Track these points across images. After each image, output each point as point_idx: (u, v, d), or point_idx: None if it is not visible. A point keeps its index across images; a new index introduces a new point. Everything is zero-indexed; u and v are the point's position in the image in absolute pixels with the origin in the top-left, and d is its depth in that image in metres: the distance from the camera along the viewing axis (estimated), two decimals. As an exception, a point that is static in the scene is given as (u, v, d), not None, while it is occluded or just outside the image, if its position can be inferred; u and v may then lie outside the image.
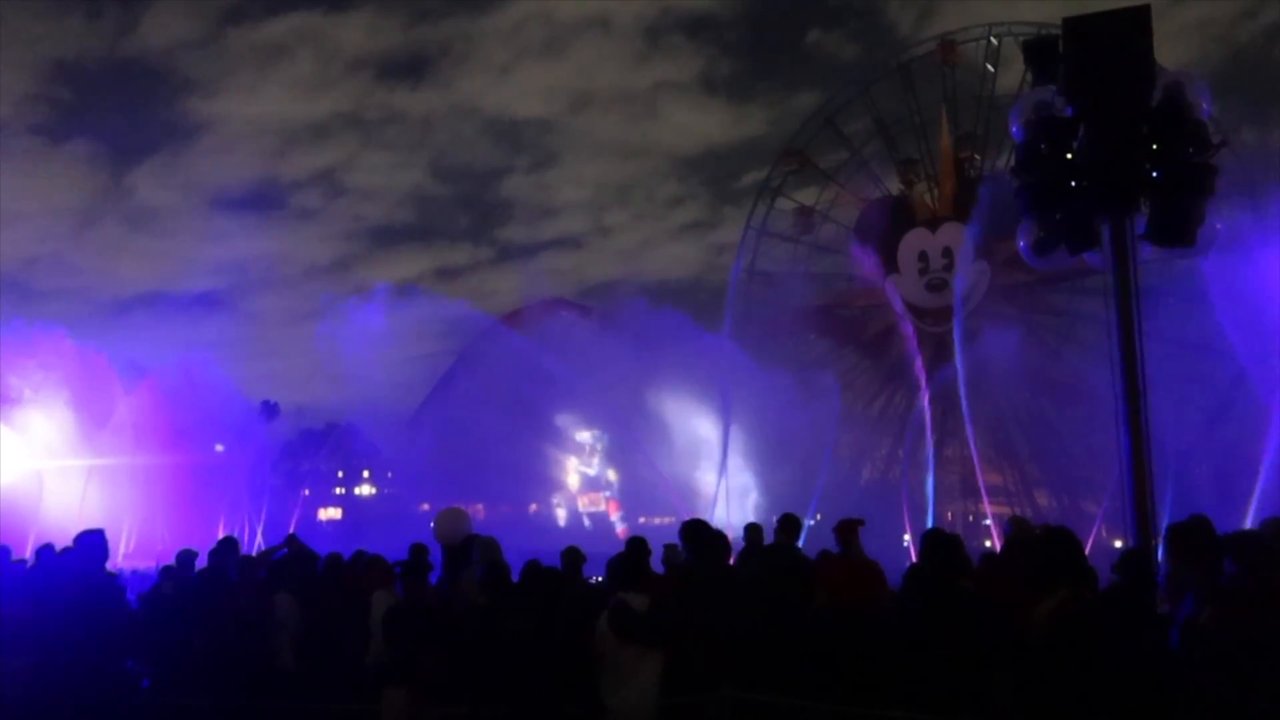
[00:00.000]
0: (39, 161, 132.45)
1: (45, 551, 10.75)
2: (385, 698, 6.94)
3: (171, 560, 11.80)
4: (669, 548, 12.11)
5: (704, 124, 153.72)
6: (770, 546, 10.50)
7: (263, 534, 35.21)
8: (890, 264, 39.50)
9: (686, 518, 10.91)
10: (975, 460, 33.58)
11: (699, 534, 8.21)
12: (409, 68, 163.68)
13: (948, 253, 38.41)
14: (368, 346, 35.36)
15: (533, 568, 8.12)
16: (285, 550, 10.90)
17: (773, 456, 34.66)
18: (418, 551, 9.71)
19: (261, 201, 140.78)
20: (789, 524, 10.37)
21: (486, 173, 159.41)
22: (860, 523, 9.73)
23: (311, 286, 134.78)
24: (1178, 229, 11.93)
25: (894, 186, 42.47)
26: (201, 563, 10.89)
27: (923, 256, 38.99)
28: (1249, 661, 5.27)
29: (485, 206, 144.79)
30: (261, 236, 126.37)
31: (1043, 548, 6.33)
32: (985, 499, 35.19)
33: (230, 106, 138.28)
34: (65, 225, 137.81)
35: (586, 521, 47.63)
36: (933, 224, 39.54)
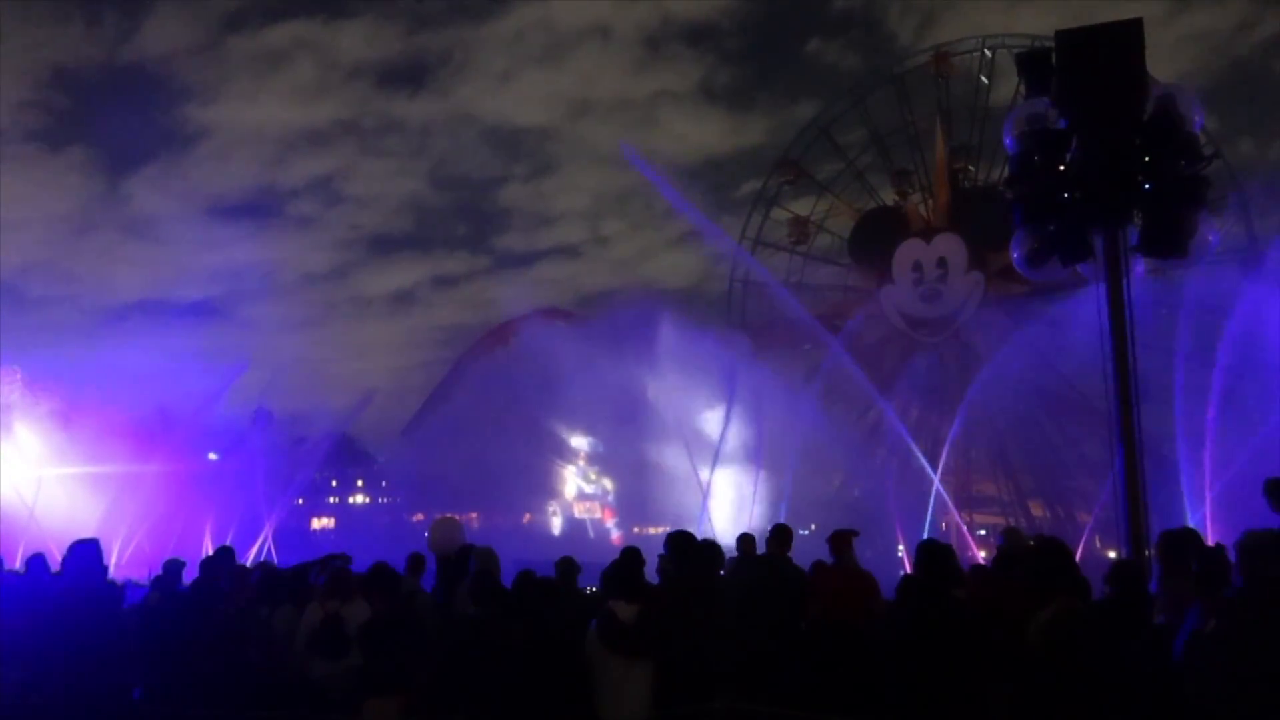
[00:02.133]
0: (36, 168, 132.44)
1: (36, 561, 10.70)
2: (368, 708, 6.90)
3: (160, 570, 11.77)
4: (664, 558, 12.10)
5: (703, 133, 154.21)
6: (762, 557, 10.50)
7: (261, 543, 35.13)
8: (885, 274, 39.66)
9: (681, 527, 10.92)
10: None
11: (684, 546, 8.22)
12: (408, 75, 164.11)
13: (942, 263, 38.54)
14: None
15: (525, 577, 8.10)
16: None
17: (772, 465, 34.63)
18: (414, 561, 9.71)
19: (258, 209, 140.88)
20: (780, 534, 10.38)
21: (484, 181, 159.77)
22: (854, 533, 9.74)
23: (308, 294, 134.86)
24: (1170, 240, 11.99)
25: (889, 197, 42.65)
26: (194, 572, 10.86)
27: (917, 266, 39.11)
28: (1253, 673, 5.27)
29: (483, 215, 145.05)
30: (258, 244, 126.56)
31: (1035, 559, 6.35)
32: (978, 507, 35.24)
33: (229, 113, 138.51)
34: (61, 232, 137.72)
35: (590, 529, 47.34)
36: (927, 234, 39.69)
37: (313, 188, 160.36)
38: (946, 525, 35.43)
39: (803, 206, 44.23)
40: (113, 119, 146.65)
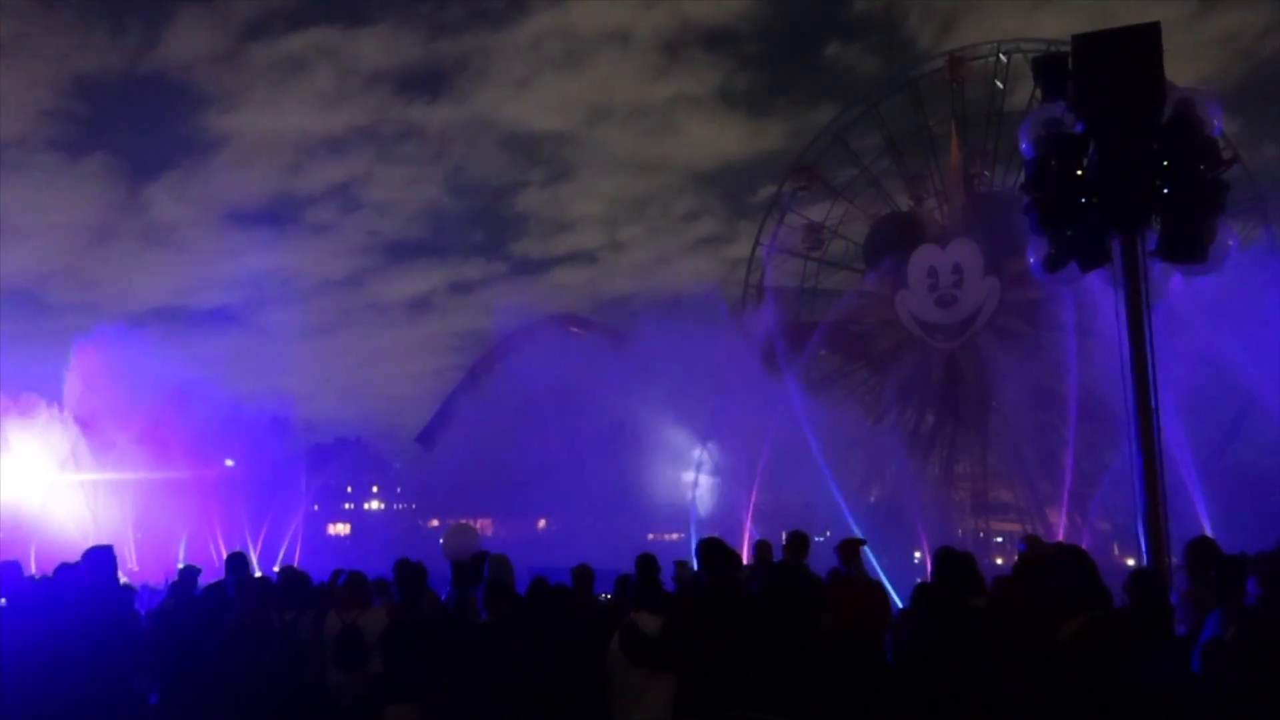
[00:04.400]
0: (56, 176, 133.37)
1: (65, 570, 10.68)
2: (387, 716, 6.91)
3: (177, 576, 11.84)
4: (680, 565, 12.08)
5: (721, 138, 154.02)
6: (778, 564, 10.46)
7: (280, 551, 35.24)
8: (900, 280, 39.54)
9: (696, 534, 10.89)
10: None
11: (716, 553, 8.18)
12: (427, 82, 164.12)
13: (957, 269, 38.39)
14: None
15: (539, 585, 8.08)
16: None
17: (779, 471, 34.51)
18: (405, 568, 9.67)
19: (277, 216, 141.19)
20: (796, 542, 10.35)
21: (502, 187, 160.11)
22: (862, 542, 9.73)
23: (325, 301, 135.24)
24: (1189, 245, 11.86)
25: (903, 202, 42.54)
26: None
27: (932, 273, 38.98)
28: (1271, 682, 5.22)
29: (500, 221, 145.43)
30: (276, 251, 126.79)
31: (1057, 568, 6.29)
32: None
33: (248, 121, 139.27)
34: (81, 240, 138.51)
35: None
36: (942, 240, 39.57)
37: (330, 194, 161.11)
38: (963, 531, 35.26)
39: (817, 212, 44.18)
40: (133, 127, 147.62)
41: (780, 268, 44.18)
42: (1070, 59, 12.66)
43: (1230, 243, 12.27)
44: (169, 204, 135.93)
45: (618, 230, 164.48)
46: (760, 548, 11.21)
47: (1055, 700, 5.64)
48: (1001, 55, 40.75)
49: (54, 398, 35.76)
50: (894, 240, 39.95)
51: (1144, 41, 12.13)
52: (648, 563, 8.21)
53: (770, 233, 44.14)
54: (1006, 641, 6.47)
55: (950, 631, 6.80)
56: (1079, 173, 12.28)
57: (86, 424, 34.76)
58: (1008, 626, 6.76)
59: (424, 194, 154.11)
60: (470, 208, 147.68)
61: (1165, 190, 11.77)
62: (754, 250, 44.67)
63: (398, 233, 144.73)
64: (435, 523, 41.64)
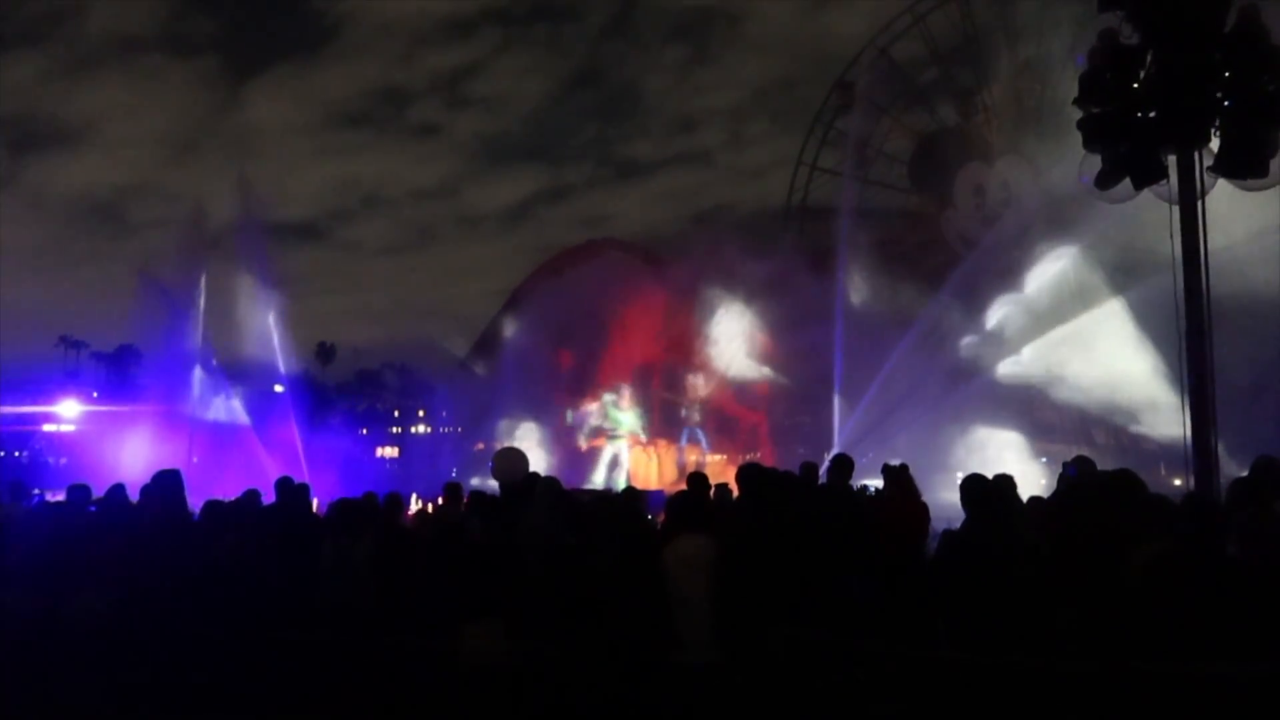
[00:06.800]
0: (158, 79, 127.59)
1: (117, 491, 11.00)
2: (466, 633, 7.10)
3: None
4: (719, 487, 12.24)
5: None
6: (824, 486, 10.58)
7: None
8: (946, 199, 38.86)
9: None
10: None
11: (753, 477, 8.29)
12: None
13: (1005, 186, 37.59)
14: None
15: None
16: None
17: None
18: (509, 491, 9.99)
19: (376, 117, 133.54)
20: (841, 464, 10.50)
21: (626, 76, 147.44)
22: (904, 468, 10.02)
23: (414, 212, 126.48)
24: (1251, 160, 11.51)
25: (951, 118, 41.54)
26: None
27: (979, 190, 38.23)
28: None
29: (619, 116, 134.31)
30: (369, 157, 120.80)
31: (1112, 493, 6.28)
32: None
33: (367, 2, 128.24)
34: (168, 150, 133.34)
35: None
36: (990, 157, 38.69)
37: (438, 88, 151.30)
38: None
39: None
40: (247, 16, 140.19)
41: (822, 187, 43.62)
42: (1129, -35, 12.20)
43: (1293, 157, 11.89)
44: (265, 105, 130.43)
45: (743, 126, 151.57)
46: (806, 469, 11.28)
47: (1114, 625, 5.69)
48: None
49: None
50: (941, 158, 39.20)
51: (1207, -55, 11.64)
52: (698, 480, 8.33)
53: (813, 151, 43.46)
54: (1057, 566, 6.50)
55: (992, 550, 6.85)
56: (1135, 85, 11.92)
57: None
58: (1056, 550, 6.78)
59: (541, 86, 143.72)
60: (589, 101, 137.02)
61: (1226, 103, 11.39)
62: (796, 170, 44.07)
63: (503, 132, 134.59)
64: (481, 445, 42.20)
